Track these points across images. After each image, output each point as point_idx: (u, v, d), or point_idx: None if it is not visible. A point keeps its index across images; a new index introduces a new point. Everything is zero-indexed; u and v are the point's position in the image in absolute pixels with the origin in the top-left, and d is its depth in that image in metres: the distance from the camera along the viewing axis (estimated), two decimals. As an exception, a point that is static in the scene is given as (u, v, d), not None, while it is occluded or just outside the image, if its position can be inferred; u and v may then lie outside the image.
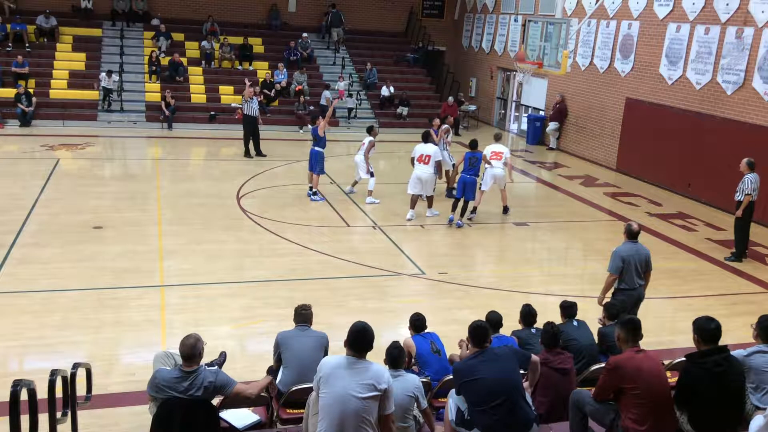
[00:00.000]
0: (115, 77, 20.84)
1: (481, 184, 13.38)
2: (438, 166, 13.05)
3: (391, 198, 14.42)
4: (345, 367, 4.45)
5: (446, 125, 15.14)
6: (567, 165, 19.16)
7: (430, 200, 13.25)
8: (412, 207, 13.09)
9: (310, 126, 14.78)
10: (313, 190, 14.11)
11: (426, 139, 13.21)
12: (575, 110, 20.44)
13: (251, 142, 17.61)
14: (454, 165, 14.94)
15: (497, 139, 14.02)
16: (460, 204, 12.95)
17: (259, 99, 21.44)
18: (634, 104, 17.81)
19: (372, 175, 14.22)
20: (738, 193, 11.44)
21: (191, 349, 4.96)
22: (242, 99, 17.58)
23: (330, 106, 13.80)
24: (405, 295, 9.70)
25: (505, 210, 13.77)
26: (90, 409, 6.09)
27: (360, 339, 4.52)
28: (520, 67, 18.23)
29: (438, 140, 14.18)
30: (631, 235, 7.83)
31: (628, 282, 7.74)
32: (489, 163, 13.29)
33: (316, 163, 13.99)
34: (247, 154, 17.60)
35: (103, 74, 20.57)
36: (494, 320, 6.38)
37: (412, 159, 13.16)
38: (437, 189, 13.74)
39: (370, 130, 14.76)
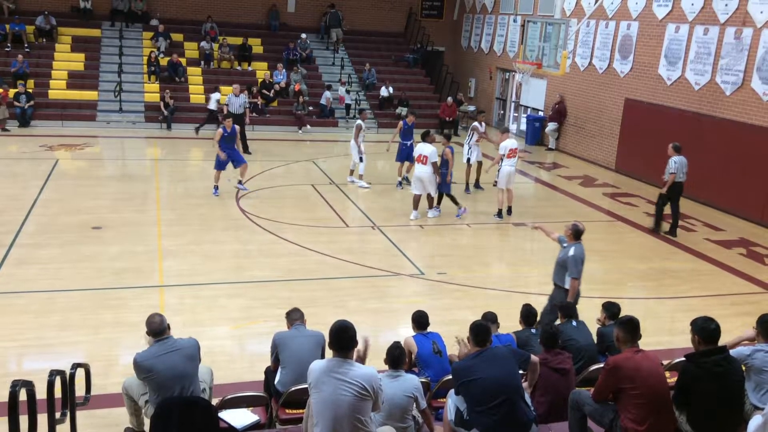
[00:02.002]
0: (217, 95, 20.30)
1: (496, 182, 13.66)
2: (434, 166, 12.73)
3: (390, 198, 14.43)
4: (332, 369, 4.42)
5: (475, 123, 15.72)
6: (566, 165, 19.16)
7: (430, 200, 13.17)
8: (415, 207, 13.02)
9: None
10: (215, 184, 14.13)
11: (424, 138, 13.08)
12: (574, 111, 20.44)
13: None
14: (480, 162, 15.58)
15: (507, 131, 13.87)
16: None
17: (257, 100, 21.52)
18: (633, 105, 17.82)
19: (361, 159, 14.78)
20: (665, 174, 12.72)
21: (161, 325, 5.30)
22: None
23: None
24: (404, 295, 9.69)
25: (510, 211, 13.62)
26: (89, 410, 6.08)
27: (341, 337, 4.49)
28: (520, 68, 18.24)
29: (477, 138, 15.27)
30: (578, 235, 7.84)
31: None
32: (501, 160, 13.28)
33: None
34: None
35: (217, 95, 20.26)
36: (490, 318, 6.48)
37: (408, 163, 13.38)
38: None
39: (359, 113, 15.40)
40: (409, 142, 14.99)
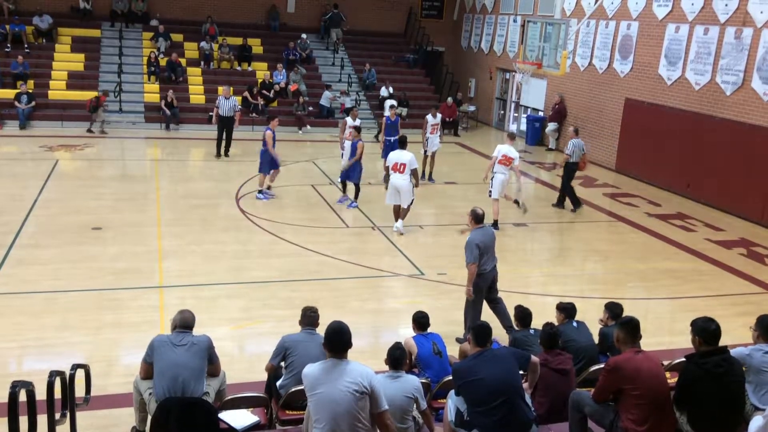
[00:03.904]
0: (337, 97, 20.67)
1: (490, 192, 12.62)
2: (414, 173, 11.99)
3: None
4: (327, 371, 4.42)
5: (428, 115, 16.27)
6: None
7: (404, 212, 12.19)
8: (396, 218, 12.24)
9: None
10: (259, 189, 13.97)
11: (403, 145, 12.43)
12: (574, 111, 20.43)
13: (223, 142, 17.59)
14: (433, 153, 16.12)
15: (512, 139, 13.18)
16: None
17: (257, 101, 21.50)
18: (633, 105, 17.82)
19: (342, 156, 15.02)
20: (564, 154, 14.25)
21: (190, 320, 5.62)
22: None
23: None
24: (404, 295, 9.69)
25: (495, 224, 12.26)
26: (89, 410, 6.08)
27: (337, 339, 4.48)
28: (520, 68, 18.24)
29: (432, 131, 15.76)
30: (479, 219, 7.93)
31: (486, 265, 7.91)
32: (493, 166, 12.48)
33: (264, 163, 13.89)
34: (218, 154, 17.52)
35: (328, 93, 20.37)
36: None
37: (387, 168, 12.21)
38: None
39: (348, 112, 15.47)
40: (392, 138, 15.10)
